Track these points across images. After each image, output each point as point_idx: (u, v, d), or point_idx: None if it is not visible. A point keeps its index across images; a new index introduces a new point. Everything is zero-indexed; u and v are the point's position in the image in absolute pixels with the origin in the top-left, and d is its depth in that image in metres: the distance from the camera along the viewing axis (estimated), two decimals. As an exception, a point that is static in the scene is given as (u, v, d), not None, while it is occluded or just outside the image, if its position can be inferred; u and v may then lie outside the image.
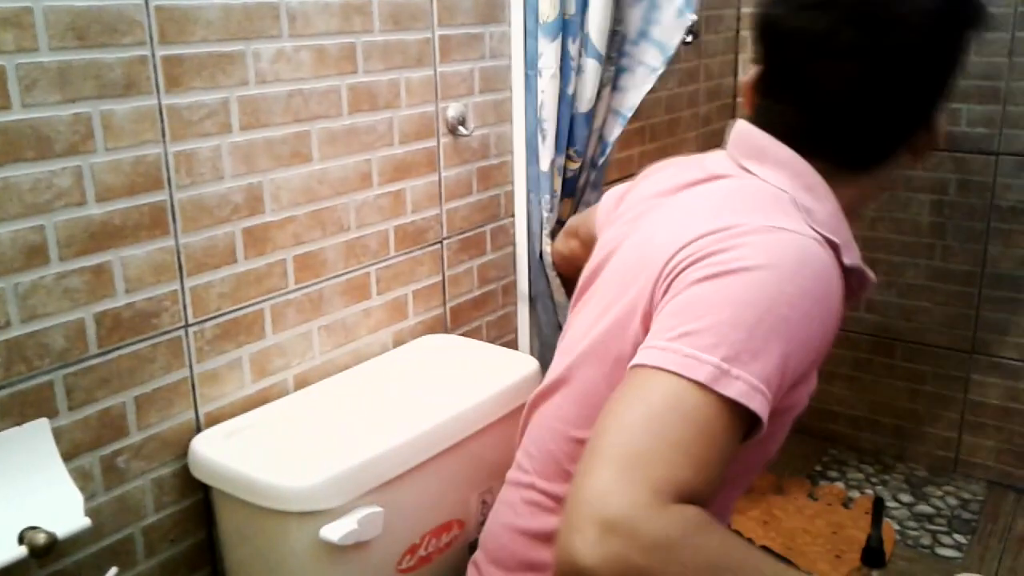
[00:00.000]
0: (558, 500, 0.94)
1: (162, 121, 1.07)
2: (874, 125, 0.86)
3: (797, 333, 0.75)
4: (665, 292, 0.81)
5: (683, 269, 0.80)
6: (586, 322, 0.95)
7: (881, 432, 2.58)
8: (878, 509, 2.07)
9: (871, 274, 0.92)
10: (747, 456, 0.80)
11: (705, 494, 0.68)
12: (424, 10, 1.40)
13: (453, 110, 1.49)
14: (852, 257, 0.88)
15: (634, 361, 0.75)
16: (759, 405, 0.71)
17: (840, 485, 2.41)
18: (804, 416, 0.89)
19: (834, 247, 0.84)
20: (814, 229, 0.83)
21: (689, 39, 1.69)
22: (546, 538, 0.95)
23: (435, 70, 1.45)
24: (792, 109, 0.88)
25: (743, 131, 0.92)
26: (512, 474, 1.03)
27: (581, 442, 0.90)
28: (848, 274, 0.87)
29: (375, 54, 1.33)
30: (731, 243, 0.79)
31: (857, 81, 0.83)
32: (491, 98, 1.58)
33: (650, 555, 0.62)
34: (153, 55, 1.05)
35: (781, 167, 0.88)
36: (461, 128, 1.50)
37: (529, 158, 1.64)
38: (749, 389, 0.71)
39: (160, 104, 1.07)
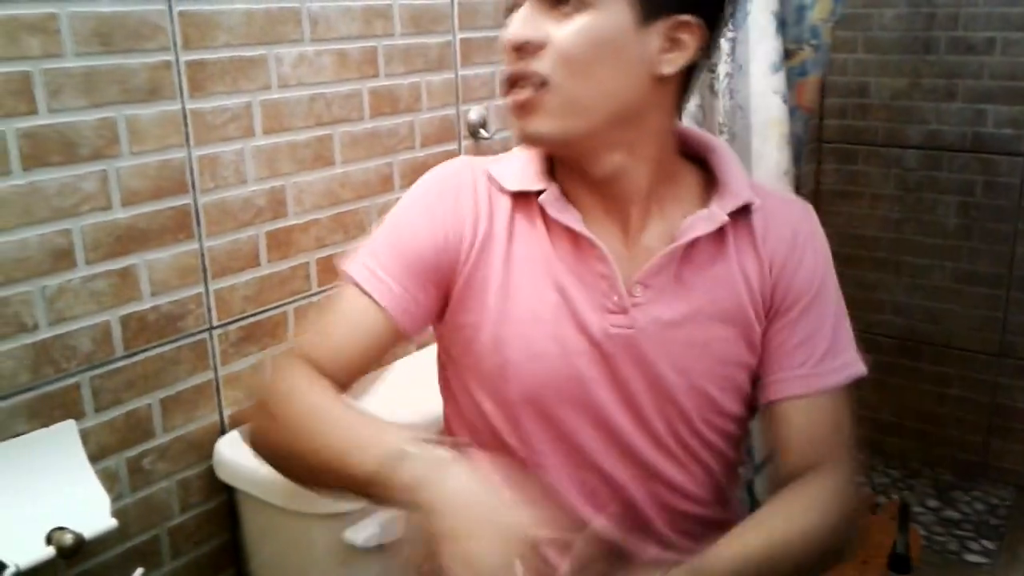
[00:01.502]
0: None
1: (186, 125, 1.08)
2: None
3: (397, 218, 0.94)
4: None
5: None
6: None
7: (907, 436, 2.56)
8: (904, 514, 2.05)
9: (542, 187, 0.92)
10: (476, 365, 0.93)
11: (328, 362, 0.89)
12: (445, 14, 1.41)
13: (474, 113, 1.50)
14: (515, 183, 0.92)
15: None
16: (357, 270, 0.90)
17: (866, 490, 2.39)
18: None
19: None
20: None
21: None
22: None
23: (456, 73, 1.45)
24: None
25: None
26: None
27: None
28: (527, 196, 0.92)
29: (396, 58, 1.34)
30: None
31: None
32: (512, 101, 1.58)
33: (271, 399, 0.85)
34: (177, 60, 1.06)
35: None
36: (482, 131, 1.50)
37: None
38: (357, 267, 0.90)
39: (184, 109, 1.08)
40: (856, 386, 0.99)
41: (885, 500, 2.34)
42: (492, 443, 0.97)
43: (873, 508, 2.29)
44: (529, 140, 0.89)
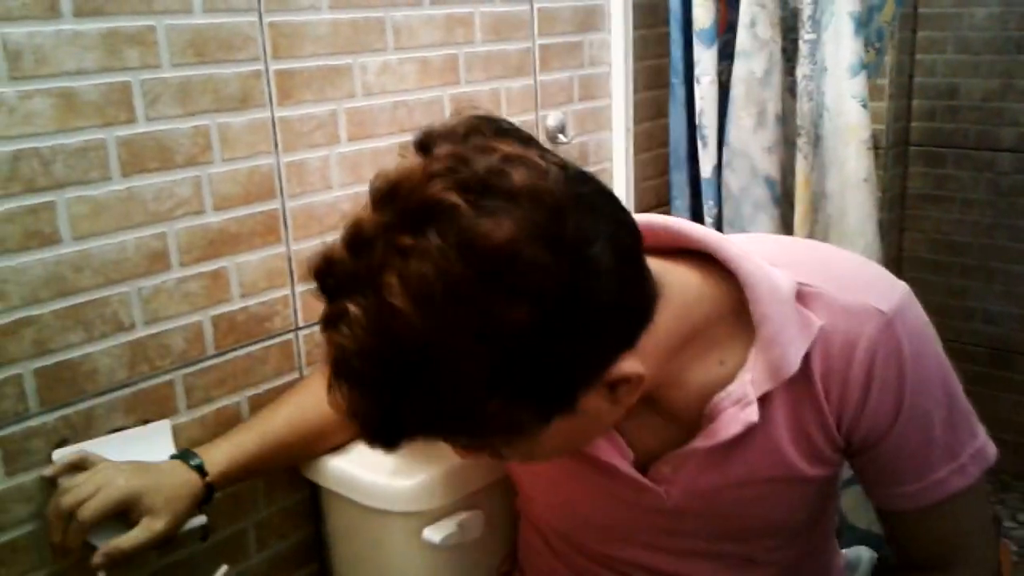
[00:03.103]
0: None
1: (275, 133, 1.12)
2: None
3: None
4: None
5: None
6: None
7: (999, 448, 2.47)
8: (995, 529, 1.98)
9: None
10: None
11: None
12: (524, 20, 1.42)
13: (553, 118, 1.51)
14: None
15: None
16: None
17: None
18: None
19: None
20: None
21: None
22: None
23: (535, 79, 1.46)
24: None
25: None
26: None
27: None
28: None
29: (477, 64, 1.35)
30: None
31: None
32: (590, 106, 1.58)
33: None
34: (266, 70, 1.10)
35: None
36: (560, 136, 1.51)
37: (675, 165, 1.71)
38: None
39: (273, 117, 1.11)
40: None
41: (974, 514, 2.26)
42: (545, 546, 1.01)
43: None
44: None
